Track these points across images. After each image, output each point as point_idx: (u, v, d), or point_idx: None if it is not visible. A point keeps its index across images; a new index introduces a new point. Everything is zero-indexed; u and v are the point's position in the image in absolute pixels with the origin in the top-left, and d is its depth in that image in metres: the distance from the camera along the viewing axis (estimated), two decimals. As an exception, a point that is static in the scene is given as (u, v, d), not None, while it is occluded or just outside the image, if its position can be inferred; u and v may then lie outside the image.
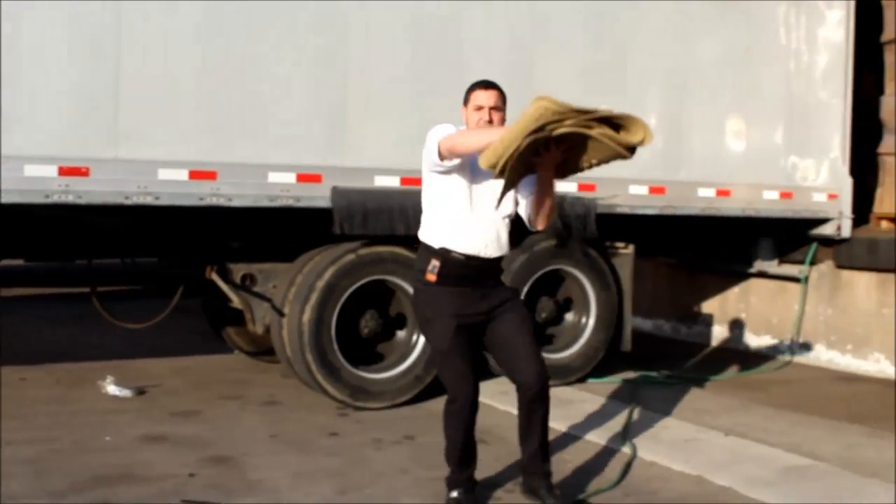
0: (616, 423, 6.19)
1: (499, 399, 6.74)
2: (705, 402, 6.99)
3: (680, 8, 7.61)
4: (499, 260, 4.48)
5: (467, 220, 4.33)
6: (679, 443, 5.83)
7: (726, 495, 4.93)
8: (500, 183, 4.01)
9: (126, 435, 5.82)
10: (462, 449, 4.55)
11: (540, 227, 4.39)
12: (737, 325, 10.05)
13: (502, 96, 4.40)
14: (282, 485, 4.99)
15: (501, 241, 4.41)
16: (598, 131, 3.78)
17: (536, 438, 4.53)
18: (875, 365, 8.74)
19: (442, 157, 4.19)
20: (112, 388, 6.85)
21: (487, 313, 4.43)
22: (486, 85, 4.39)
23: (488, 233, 4.36)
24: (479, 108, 4.35)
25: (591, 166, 4.04)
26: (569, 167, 4.10)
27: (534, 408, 4.47)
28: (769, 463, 5.45)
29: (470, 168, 4.27)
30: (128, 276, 7.13)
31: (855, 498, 4.86)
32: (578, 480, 5.09)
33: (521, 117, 3.78)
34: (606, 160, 3.98)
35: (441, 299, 4.37)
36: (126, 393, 6.84)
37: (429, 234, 4.42)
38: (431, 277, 4.34)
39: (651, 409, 6.63)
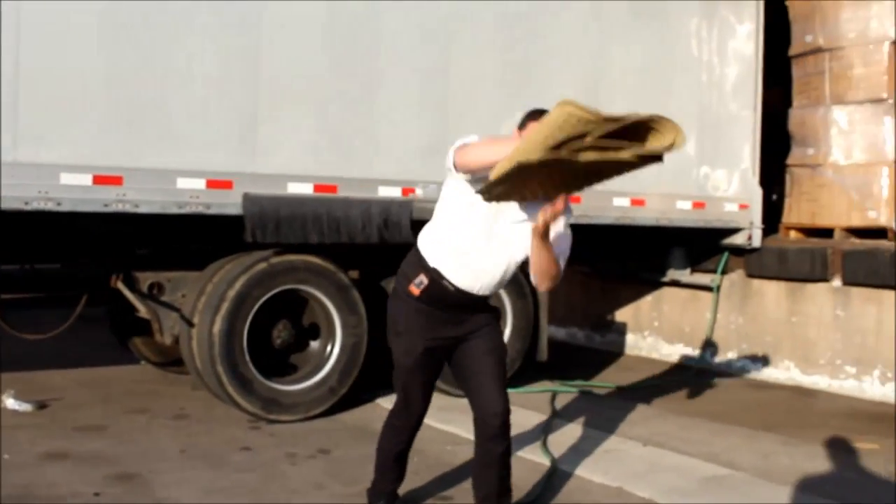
0: (534, 434, 6.14)
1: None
2: (622, 412, 6.98)
3: (597, 13, 7.62)
4: (488, 296, 4.18)
5: (476, 255, 3.98)
6: (599, 454, 5.80)
7: (638, 505, 4.92)
8: (527, 225, 3.79)
9: (26, 452, 5.54)
10: (395, 461, 4.41)
11: (542, 289, 4.06)
12: (650, 334, 10.12)
13: None
14: (193, 502, 4.79)
15: (502, 282, 4.10)
16: (630, 152, 3.24)
17: (493, 477, 4.21)
18: (785, 372, 8.87)
19: (456, 168, 3.86)
20: (10, 402, 6.54)
21: (460, 337, 4.14)
22: (541, 112, 3.77)
23: (491, 273, 4.02)
24: None
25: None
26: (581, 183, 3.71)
27: (493, 445, 4.16)
28: (688, 473, 5.46)
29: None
30: (28, 283, 6.81)
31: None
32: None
33: (543, 124, 3.29)
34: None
35: (417, 318, 4.07)
36: (26, 407, 6.54)
37: (429, 247, 4.06)
38: (415, 291, 4.03)
39: (569, 420, 6.60)
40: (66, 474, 5.18)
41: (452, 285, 3.98)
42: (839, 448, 6.23)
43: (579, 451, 5.85)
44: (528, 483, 5.18)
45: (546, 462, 5.58)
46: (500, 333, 4.34)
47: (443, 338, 4.11)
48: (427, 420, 6.06)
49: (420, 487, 5.02)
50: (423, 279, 4.01)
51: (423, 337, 4.08)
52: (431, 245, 4.06)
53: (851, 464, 5.85)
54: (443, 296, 4.01)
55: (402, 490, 4.64)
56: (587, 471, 5.44)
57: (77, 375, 7.79)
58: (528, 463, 5.59)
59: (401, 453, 4.41)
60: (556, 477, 5.35)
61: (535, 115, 3.84)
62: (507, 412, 4.16)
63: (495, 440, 4.15)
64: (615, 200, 7.73)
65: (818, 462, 5.82)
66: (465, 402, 4.43)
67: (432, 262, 4.01)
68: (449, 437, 5.94)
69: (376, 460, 4.45)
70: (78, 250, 6.63)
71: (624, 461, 5.66)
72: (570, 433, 6.25)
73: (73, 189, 5.57)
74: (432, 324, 4.07)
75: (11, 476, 5.07)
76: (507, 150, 3.50)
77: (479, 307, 4.16)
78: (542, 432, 6.17)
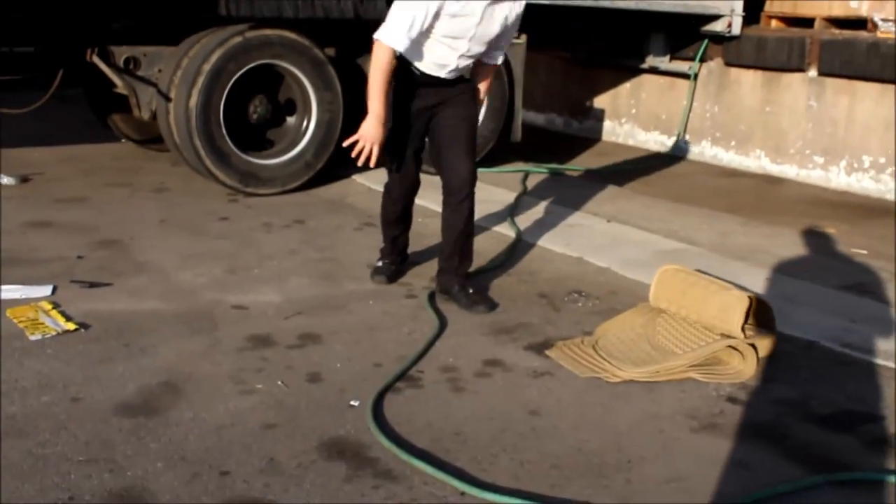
0: (503, 210, 6.34)
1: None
2: (590, 192, 7.16)
3: None
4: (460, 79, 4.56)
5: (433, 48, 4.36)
6: (563, 228, 6.02)
7: (603, 274, 5.17)
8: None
9: (10, 220, 5.72)
10: (398, 219, 4.81)
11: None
12: (627, 121, 10.22)
13: None
14: (170, 266, 5.03)
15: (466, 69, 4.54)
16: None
17: (454, 238, 4.59)
18: (756, 161, 9.04)
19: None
20: (-7, 175, 6.68)
21: (438, 104, 4.51)
22: None
23: (452, 63, 4.41)
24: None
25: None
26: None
27: (457, 207, 4.54)
28: (646, 246, 5.69)
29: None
30: (4, 64, 6.77)
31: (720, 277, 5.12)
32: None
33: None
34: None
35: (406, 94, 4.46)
36: (9, 181, 6.68)
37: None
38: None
39: (538, 198, 6.79)
40: (50, 240, 5.39)
41: (418, 71, 4.42)
42: (796, 230, 6.46)
43: (545, 224, 6.07)
44: (494, 252, 5.43)
45: (512, 234, 5.81)
46: (473, 101, 4.63)
47: (427, 106, 4.49)
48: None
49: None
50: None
51: (418, 106, 4.48)
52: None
53: (805, 244, 6.09)
54: (416, 82, 4.45)
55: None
56: (550, 242, 5.68)
57: (59, 153, 7.88)
58: (496, 235, 5.83)
59: (404, 211, 4.82)
60: (520, 246, 5.59)
61: None
62: (472, 179, 4.49)
63: (461, 203, 4.51)
64: (595, -18, 7.66)
65: (773, 241, 6.05)
66: (436, 179, 4.63)
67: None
68: (419, 209, 6.12)
69: (382, 222, 4.89)
70: (53, 27, 6.57)
71: (586, 235, 5.89)
72: (537, 209, 6.45)
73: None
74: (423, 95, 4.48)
75: (-4, 240, 5.25)
76: (375, 90, 4.26)
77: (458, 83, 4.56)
78: (510, 208, 6.37)
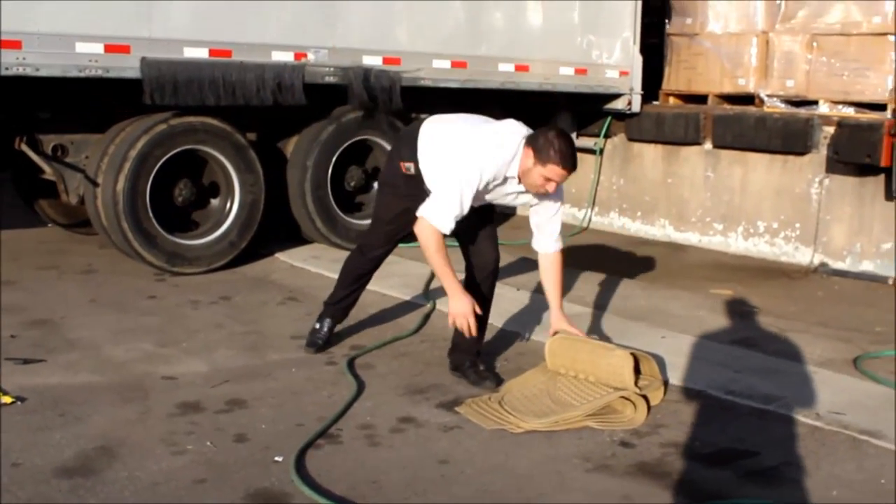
0: (420, 283, 6.68)
1: (311, 263, 7.17)
2: (504, 264, 7.51)
3: None
4: None
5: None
6: (475, 297, 6.37)
7: (508, 337, 5.53)
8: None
9: (-62, 305, 5.88)
10: (349, 289, 5.11)
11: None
12: (539, 196, 10.69)
13: None
14: (101, 341, 5.27)
15: None
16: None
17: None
18: (661, 230, 9.56)
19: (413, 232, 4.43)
20: (-78, 261, 6.83)
21: None
22: (572, 166, 4.37)
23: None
24: (548, 181, 4.35)
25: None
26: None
27: (486, 285, 4.88)
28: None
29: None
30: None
31: (620, 337, 5.52)
32: (381, 332, 5.59)
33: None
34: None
35: (405, 185, 4.67)
36: (-64, 266, 6.84)
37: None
38: (403, 169, 4.65)
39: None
40: (-20, 321, 5.57)
41: None
42: (694, 292, 6.92)
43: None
44: (411, 321, 5.78)
45: (428, 304, 6.16)
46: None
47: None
48: (319, 270, 6.62)
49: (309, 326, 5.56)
50: (411, 167, 4.61)
51: (405, 202, 4.65)
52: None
53: (701, 304, 6.54)
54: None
55: (301, 329, 5.24)
56: (463, 310, 6.02)
57: (-14, 237, 8.07)
58: (413, 305, 6.19)
59: (355, 286, 5.13)
60: (434, 315, 5.96)
61: (564, 163, 4.33)
62: (498, 259, 4.97)
63: (488, 281, 4.92)
64: (500, 66, 8.16)
65: (671, 303, 6.50)
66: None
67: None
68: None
69: (334, 290, 5.20)
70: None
71: (497, 302, 6.21)
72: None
73: (-28, 53, 5.78)
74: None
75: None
76: (442, 268, 4.38)
77: None
78: (427, 281, 6.72)
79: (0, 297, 6.02)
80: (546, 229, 4.73)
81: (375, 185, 7.98)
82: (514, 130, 4.48)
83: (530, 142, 4.35)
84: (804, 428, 4.23)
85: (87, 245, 7.81)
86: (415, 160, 4.61)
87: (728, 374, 4.90)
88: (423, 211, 4.33)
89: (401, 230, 4.88)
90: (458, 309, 4.39)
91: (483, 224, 4.82)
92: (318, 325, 5.23)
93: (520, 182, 4.43)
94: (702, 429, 4.20)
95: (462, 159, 4.34)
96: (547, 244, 4.76)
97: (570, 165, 4.32)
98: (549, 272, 4.77)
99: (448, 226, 4.30)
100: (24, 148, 6.59)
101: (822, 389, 4.71)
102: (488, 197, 4.54)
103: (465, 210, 4.31)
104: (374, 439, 4.00)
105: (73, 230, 8.13)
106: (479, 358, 4.89)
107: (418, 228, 4.34)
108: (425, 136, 4.62)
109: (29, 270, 6.93)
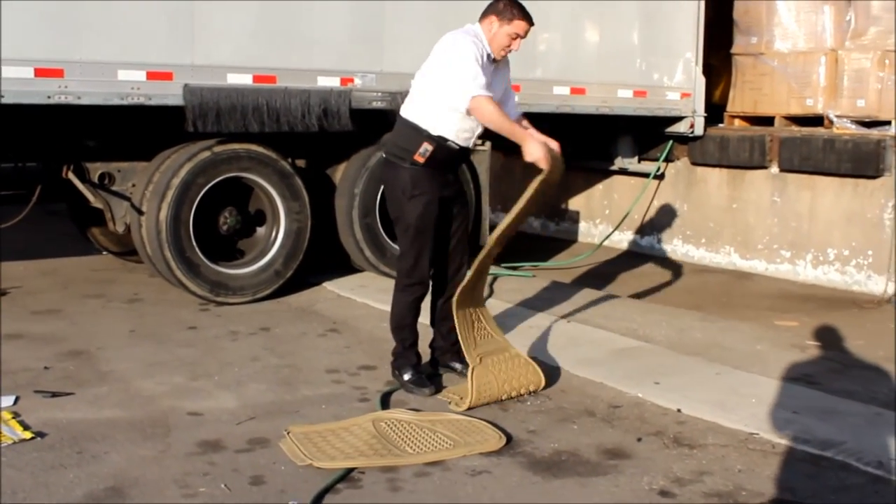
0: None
1: (358, 292, 7.02)
2: (557, 293, 7.31)
3: None
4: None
5: (469, 121, 4.72)
6: (522, 329, 6.14)
7: (555, 374, 5.28)
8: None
9: (-18, 334, 5.86)
10: (411, 324, 4.99)
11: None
12: (601, 221, 10.43)
13: None
14: (133, 374, 5.16)
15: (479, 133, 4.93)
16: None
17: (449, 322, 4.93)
18: (726, 257, 9.23)
19: (468, 111, 4.60)
20: (-29, 291, 6.85)
21: (451, 198, 4.93)
22: (531, 19, 4.75)
23: (478, 129, 4.83)
24: (515, 37, 4.72)
25: None
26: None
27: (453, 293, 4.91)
28: (601, 345, 5.81)
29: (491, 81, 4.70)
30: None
31: (671, 372, 5.24)
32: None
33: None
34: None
35: (430, 180, 4.78)
36: (-14, 296, 6.86)
37: (429, 121, 4.72)
38: (420, 159, 4.73)
39: (503, 300, 6.92)
40: (20, 352, 5.52)
41: (456, 145, 4.78)
42: (757, 324, 6.59)
43: (505, 327, 6.13)
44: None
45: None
46: (467, 202, 5.33)
47: (445, 196, 4.87)
48: (364, 300, 6.47)
49: (347, 359, 5.38)
50: (427, 147, 4.72)
51: (436, 196, 4.81)
52: (430, 118, 4.74)
53: (763, 337, 6.20)
54: (445, 156, 4.79)
55: (359, 363, 5.12)
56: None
57: (40, 265, 8.10)
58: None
59: (415, 317, 5.01)
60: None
61: (524, 16, 4.72)
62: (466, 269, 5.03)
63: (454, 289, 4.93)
64: (555, 89, 7.95)
65: (728, 336, 6.17)
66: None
67: (435, 130, 4.72)
68: (379, 313, 6.27)
69: (395, 329, 5.01)
70: (29, 147, 6.83)
71: (545, 335, 6.02)
72: (499, 310, 6.57)
73: (14, 82, 5.76)
74: (439, 182, 4.82)
75: (-35, 355, 5.39)
76: (516, 134, 4.62)
77: (459, 164, 5.08)
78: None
79: (23, 334, 5.97)
80: (508, 104, 4.99)
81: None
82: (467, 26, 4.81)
83: (488, 11, 4.75)
84: (863, 478, 3.90)
85: (136, 273, 7.77)
86: (423, 133, 4.73)
87: (784, 415, 4.57)
88: (461, 93, 4.55)
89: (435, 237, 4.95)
90: (534, 150, 4.63)
91: (457, 232, 5.04)
92: (408, 376, 4.99)
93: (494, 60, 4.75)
94: (750, 477, 3.90)
95: (452, 49, 4.64)
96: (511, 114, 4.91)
97: (531, 18, 4.75)
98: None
99: (484, 88, 4.53)
100: (71, 176, 6.57)
101: (888, 434, 4.36)
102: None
103: (487, 80, 4.58)
104: (396, 483, 3.78)
105: (124, 258, 8.12)
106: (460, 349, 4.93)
107: (473, 106, 4.55)
108: (410, 101, 4.86)
109: (75, 299, 6.90)
